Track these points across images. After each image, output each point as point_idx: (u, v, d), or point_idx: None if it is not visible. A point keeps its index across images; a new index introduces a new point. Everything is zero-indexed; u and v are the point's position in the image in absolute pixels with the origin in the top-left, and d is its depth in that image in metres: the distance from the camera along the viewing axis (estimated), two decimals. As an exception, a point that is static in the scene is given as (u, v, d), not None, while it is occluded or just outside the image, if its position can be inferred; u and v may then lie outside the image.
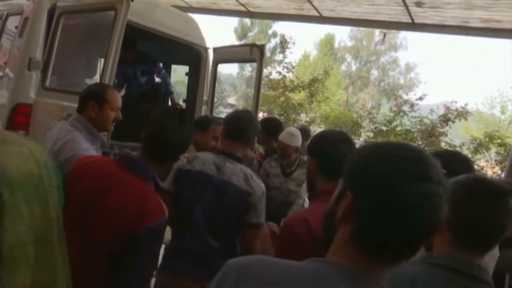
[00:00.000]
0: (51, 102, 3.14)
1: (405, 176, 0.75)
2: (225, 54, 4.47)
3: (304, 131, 4.08)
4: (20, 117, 3.17)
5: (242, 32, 31.32)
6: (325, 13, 6.04)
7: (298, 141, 3.26)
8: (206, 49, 4.80)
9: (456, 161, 1.75)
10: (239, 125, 2.19)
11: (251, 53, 3.99)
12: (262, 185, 2.12)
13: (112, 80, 2.85)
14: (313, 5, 5.85)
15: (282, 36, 15.57)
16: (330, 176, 1.62)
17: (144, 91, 4.82)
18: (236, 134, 2.16)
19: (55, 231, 1.11)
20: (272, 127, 3.64)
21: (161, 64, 5.21)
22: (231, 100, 24.88)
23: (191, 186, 2.06)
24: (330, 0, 5.54)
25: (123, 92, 4.74)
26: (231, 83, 22.02)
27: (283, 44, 13.98)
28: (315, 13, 6.11)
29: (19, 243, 0.75)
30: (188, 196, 2.04)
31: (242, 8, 6.92)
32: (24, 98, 3.22)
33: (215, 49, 4.60)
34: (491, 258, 1.60)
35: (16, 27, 3.55)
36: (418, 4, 4.61)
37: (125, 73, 4.53)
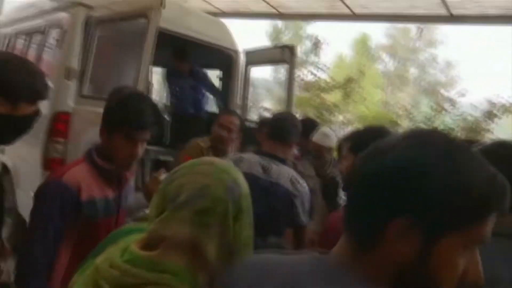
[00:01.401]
0: (88, 110, 3.23)
1: None
2: (256, 57, 4.46)
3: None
4: (60, 125, 3.29)
5: (275, 35, 31.30)
6: (358, 10, 5.91)
7: (331, 141, 3.19)
8: (237, 52, 4.81)
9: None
10: (282, 127, 2.22)
11: (282, 54, 3.97)
12: (307, 187, 2.14)
13: (145, 86, 2.90)
14: (344, 3, 5.75)
15: (315, 37, 15.46)
16: None
17: (190, 105, 4.75)
18: (279, 136, 2.19)
19: None
20: (308, 127, 3.58)
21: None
22: (267, 104, 24.90)
23: None
24: (363, -3, 5.42)
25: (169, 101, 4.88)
26: (267, 87, 22.02)
27: (316, 45, 13.83)
28: (347, 11, 6.00)
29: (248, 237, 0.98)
30: None
31: (273, 11, 6.91)
32: (63, 107, 3.34)
33: (246, 52, 4.60)
34: None
35: (55, 39, 3.70)
36: (456, -5, 4.43)
37: (174, 84, 4.63)
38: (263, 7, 6.95)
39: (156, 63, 5.93)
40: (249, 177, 2.04)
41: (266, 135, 2.28)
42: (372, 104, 23.98)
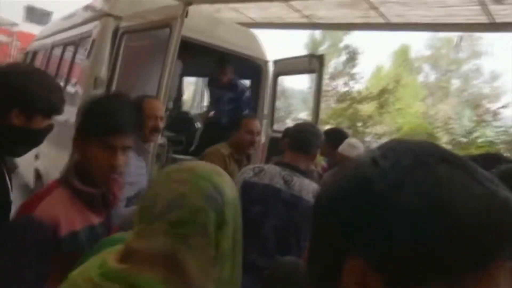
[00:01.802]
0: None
1: None
2: (284, 66, 4.38)
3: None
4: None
5: (313, 47, 31.17)
6: (393, 20, 5.70)
7: (359, 152, 3.04)
8: (266, 62, 4.76)
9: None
10: (303, 138, 2.16)
11: (310, 64, 3.86)
12: None
13: (167, 95, 2.88)
14: (379, 12, 5.57)
15: (352, 48, 15.17)
16: None
17: (225, 117, 4.68)
18: (300, 147, 2.12)
19: None
20: (337, 138, 3.45)
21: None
22: (302, 115, 24.71)
23: (260, 200, 2.01)
24: (398, 6, 5.22)
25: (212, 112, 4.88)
26: (303, 98, 21.90)
27: (353, 56, 13.55)
28: (382, 20, 5.81)
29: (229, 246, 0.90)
30: (256, 210, 2.00)
31: (306, 21, 6.81)
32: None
33: (274, 62, 4.53)
34: None
35: (85, 49, 3.78)
36: (498, 1, 4.15)
37: (213, 94, 4.65)
38: (296, 17, 6.87)
39: (189, 73, 6.02)
40: (270, 189, 2.01)
41: (287, 145, 2.21)
42: (411, 115, 23.25)
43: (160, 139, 2.89)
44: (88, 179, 1.33)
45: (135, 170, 2.13)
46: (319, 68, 3.76)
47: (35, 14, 20.32)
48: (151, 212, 0.85)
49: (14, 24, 15.00)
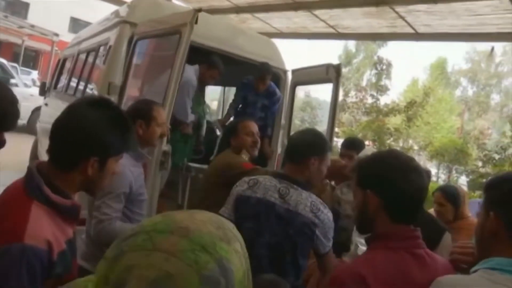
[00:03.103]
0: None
1: None
2: (302, 76, 4.27)
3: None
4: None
5: (346, 59, 30.86)
6: (421, 29, 5.52)
7: None
8: (285, 71, 4.68)
9: None
10: (289, 146, 2.08)
11: (327, 73, 3.73)
12: (330, 215, 1.91)
13: (173, 100, 2.84)
14: (406, 21, 5.40)
15: (385, 60, 14.83)
16: (398, 218, 1.29)
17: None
18: (288, 156, 2.03)
19: None
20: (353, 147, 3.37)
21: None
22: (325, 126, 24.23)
23: (253, 216, 1.90)
24: (425, 15, 5.04)
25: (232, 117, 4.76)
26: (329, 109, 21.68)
27: (383, 67, 13.22)
28: (409, 30, 5.64)
29: None
30: (249, 226, 1.88)
31: (332, 30, 6.72)
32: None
33: (292, 71, 4.44)
34: None
35: (102, 56, 3.84)
36: (532, 9, 3.91)
37: (246, 98, 4.53)
38: (321, 27, 6.79)
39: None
40: (264, 203, 1.88)
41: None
42: (445, 130, 22.40)
43: (165, 146, 2.84)
44: (64, 194, 1.23)
45: (131, 179, 2.08)
46: (336, 78, 3.63)
47: (78, 25, 21.28)
48: None
49: (56, 35, 15.73)
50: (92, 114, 1.25)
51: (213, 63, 3.99)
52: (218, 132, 4.75)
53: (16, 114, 1.34)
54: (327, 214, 1.88)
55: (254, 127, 2.88)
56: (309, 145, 1.98)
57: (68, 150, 1.23)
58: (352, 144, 3.51)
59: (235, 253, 0.66)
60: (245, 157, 2.88)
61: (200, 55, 3.86)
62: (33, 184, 1.20)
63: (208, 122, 4.97)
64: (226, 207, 2.01)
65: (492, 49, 18.94)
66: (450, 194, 2.92)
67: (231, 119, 4.76)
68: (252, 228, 1.87)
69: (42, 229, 1.14)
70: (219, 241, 0.64)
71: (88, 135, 1.23)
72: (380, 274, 1.19)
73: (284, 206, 1.86)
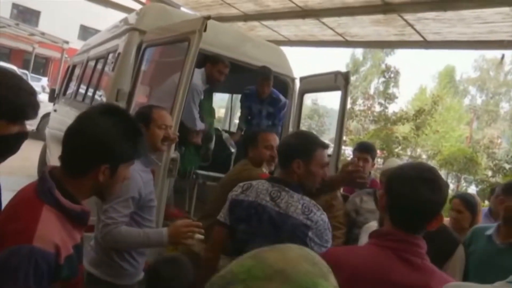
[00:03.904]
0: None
1: None
2: (310, 84, 4.26)
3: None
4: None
5: (354, 67, 30.86)
6: (430, 37, 5.49)
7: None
8: (293, 79, 4.68)
9: None
10: (279, 152, 2.07)
11: (336, 81, 3.71)
12: (324, 216, 1.86)
13: (182, 107, 2.83)
14: (415, 29, 5.38)
15: (389, 66, 14.80)
16: (397, 222, 1.34)
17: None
18: (279, 161, 2.03)
19: None
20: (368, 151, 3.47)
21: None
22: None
23: (245, 219, 1.91)
24: (434, 23, 5.01)
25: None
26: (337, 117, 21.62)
27: (391, 75, 13.16)
28: (418, 38, 5.61)
29: None
30: (242, 229, 1.91)
31: (340, 38, 6.71)
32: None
33: (300, 78, 4.43)
34: None
35: (111, 63, 3.86)
36: (543, 17, 3.87)
37: (250, 108, 4.48)
38: (329, 35, 6.79)
39: (217, 89, 6.00)
40: (255, 206, 1.88)
41: None
42: (454, 139, 22.22)
43: (173, 153, 2.83)
44: (74, 199, 1.25)
45: (140, 184, 2.07)
46: (345, 86, 3.61)
47: (88, 33, 21.58)
48: None
49: (66, 42, 15.94)
50: (104, 122, 1.27)
51: (214, 58, 3.89)
52: (232, 149, 4.60)
53: (36, 104, 1.35)
54: (320, 216, 1.84)
55: (275, 140, 2.85)
56: (291, 148, 1.96)
57: (80, 157, 1.26)
58: (367, 148, 3.61)
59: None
60: (265, 170, 2.85)
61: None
62: (45, 188, 1.22)
63: (217, 130, 4.93)
64: (223, 211, 2.03)
65: (503, 57, 18.83)
66: (469, 202, 2.89)
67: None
68: (245, 231, 1.88)
69: (51, 232, 1.16)
70: (318, 278, 0.62)
71: (100, 142, 1.25)
72: (354, 263, 1.31)
73: (275, 209, 1.85)
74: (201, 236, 1.77)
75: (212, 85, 4.09)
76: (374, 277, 1.27)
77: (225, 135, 4.72)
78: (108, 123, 1.27)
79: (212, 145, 4.38)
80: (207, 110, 4.24)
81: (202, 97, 3.97)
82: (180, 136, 2.76)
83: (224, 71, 3.96)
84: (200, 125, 3.95)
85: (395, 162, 3.23)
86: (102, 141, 1.25)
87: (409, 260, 1.27)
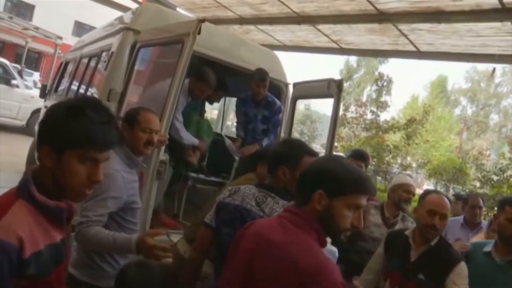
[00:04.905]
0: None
1: None
2: (303, 90, 4.26)
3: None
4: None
5: (347, 74, 31.06)
6: (423, 48, 5.54)
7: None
8: (287, 85, 4.67)
9: None
10: (269, 159, 2.07)
11: (329, 88, 3.72)
12: None
13: (173, 109, 2.82)
14: (409, 39, 5.43)
15: (382, 75, 14.92)
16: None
17: (260, 137, 4.40)
18: (268, 167, 2.02)
19: None
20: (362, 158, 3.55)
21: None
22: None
23: (230, 222, 1.92)
24: (428, 34, 5.06)
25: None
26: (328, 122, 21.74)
27: (383, 83, 13.27)
28: (411, 48, 5.66)
29: None
30: (226, 232, 1.91)
31: (334, 45, 6.75)
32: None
33: (294, 84, 4.43)
34: None
35: (104, 62, 3.83)
36: (535, 33, 3.93)
37: (247, 113, 4.40)
38: (324, 42, 6.83)
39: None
40: (240, 210, 1.89)
41: None
42: (444, 149, 22.43)
43: (162, 155, 2.81)
44: (53, 194, 1.21)
45: (121, 185, 2.05)
46: (338, 93, 3.62)
47: (82, 29, 21.45)
48: None
49: (60, 38, 15.81)
50: (58, 106, 1.23)
51: (201, 75, 3.74)
52: (235, 157, 4.51)
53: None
54: None
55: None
56: (277, 155, 1.98)
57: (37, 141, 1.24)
58: (361, 155, 3.70)
59: None
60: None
61: (201, 64, 3.85)
62: (23, 183, 1.21)
63: (219, 135, 4.84)
64: (210, 213, 2.04)
65: (494, 70, 19.10)
66: None
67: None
68: (229, 234, 1.87)
69: (18, 225, 1.11)
70: None
71: (45, 123, 1.22)
72: (259, 227, 1.50)
73: (259, 214, 1.86)
74: (170, 260, 1.71)
75: (193, 98, 3.94)
76: (262, 236, 1.44)
77: (227, 141, 4.63)
78: (60, 106, 1.22)
79: (205, 161, 4.36)
80: (196, 124, 4.17)
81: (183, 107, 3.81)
82: (173, 152, 2.64)
83: (205, 91, 3.84)
84: (192, 140, 3.85)
85: (405, 178, 3.25)
86: (46, 121, 1.22)
87: (284, 224, 1.41)
